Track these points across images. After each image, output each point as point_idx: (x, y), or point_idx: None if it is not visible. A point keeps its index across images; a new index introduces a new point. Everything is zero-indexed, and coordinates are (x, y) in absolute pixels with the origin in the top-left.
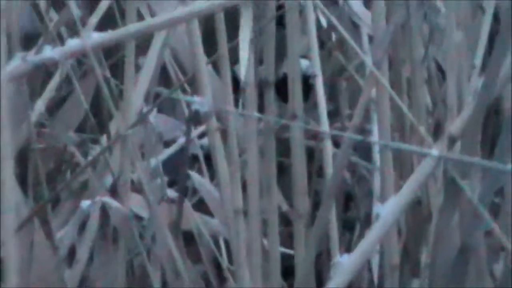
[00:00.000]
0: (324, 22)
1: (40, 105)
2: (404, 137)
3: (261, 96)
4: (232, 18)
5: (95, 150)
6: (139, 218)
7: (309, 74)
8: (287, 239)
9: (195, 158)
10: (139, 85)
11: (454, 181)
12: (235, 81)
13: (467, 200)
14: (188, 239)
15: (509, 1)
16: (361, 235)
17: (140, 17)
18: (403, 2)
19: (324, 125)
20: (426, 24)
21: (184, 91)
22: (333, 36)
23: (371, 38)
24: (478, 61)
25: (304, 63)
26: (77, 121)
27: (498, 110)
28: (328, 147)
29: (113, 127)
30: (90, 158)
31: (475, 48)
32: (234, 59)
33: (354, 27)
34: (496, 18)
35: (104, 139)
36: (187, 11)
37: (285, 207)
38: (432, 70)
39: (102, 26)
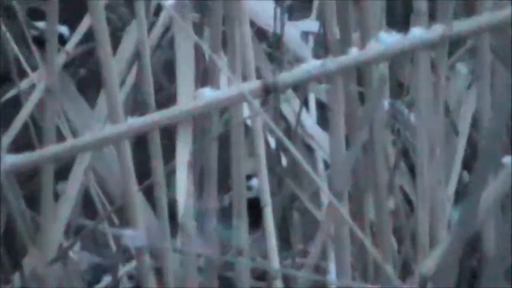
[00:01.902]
0: (273, 144)
1: None
2: (366, 278)
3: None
4: (168, 137)
5: None
6: None
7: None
8: None
9: None
10: (58, 215)
11: None
12: (172, 210)
13: None
14: None
15: (488, 122)
16: None
17: (60, 136)
18: (367, 121)
19: (274, 262)
20: (393, 146)
21: (111, 223)
22: (284, 160)
23: (327, 164)
24: (451, 190)
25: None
26: None
27: (475, 247)
28: None
29: (28, 265)
30: None
31: (449, 175)
32: (171, 185)
33: (308, 151)
34: (470, 142)
35: (17, 279)
36: (116, 130)
37: None
38: (399, 200)
39: (16, 147)
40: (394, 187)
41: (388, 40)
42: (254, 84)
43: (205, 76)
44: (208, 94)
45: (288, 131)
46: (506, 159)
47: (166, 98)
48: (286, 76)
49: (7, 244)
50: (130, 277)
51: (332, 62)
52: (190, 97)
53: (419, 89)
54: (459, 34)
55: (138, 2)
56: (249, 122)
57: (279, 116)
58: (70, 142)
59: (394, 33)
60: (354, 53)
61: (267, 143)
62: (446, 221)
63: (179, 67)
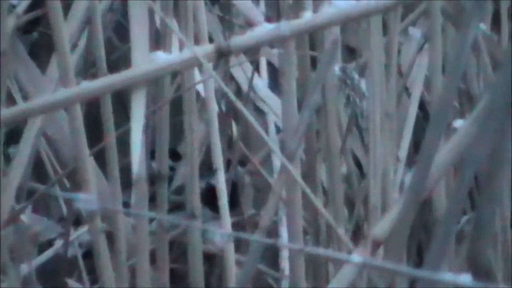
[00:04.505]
0: (224, 108)
1: None
2: (318, 242)
3: (154, 192)
4: (120, 102)
5: None
6: None
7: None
8: None
9: (74, 264)
10: (10, 179)
11: None
12: (124, 174)
13: None
14: None
15: (440, 85)
16: None
17: (11, 100)
18: (319, 85)
19: (226, 226)
20: (346, 109)
21: (62, 187)
22: (235, 125)
23: (278, 128)
24: (403, 153)
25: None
26: None
27: (426, 211)
28: (231, 253)
29: None
30: None
31: (400, 137)
32: (122, 149)
33: (259, 115)
34: (422, 105)
35: None
36: (68, 93)
37: None
38: (351, 163)
39: None
40: (346, 151)
41: (341, 4)
42: (207, 48)
43: (157, 40)
44: (161, 57)
45: (240, 95)
46: (458, 123)
47: (119, 61)
48: (240, 39)
49: None
50: (80, 245)
51: (285, 26)
52: (145, 60)
53: (371, 53)
54: None
55: None
56: (200, 87)
57: (230, 80)
58: (21, 105)
59: None
60: (307, 17)
61: (218, 108)
62: (398, 185)
63: (133, 30)
